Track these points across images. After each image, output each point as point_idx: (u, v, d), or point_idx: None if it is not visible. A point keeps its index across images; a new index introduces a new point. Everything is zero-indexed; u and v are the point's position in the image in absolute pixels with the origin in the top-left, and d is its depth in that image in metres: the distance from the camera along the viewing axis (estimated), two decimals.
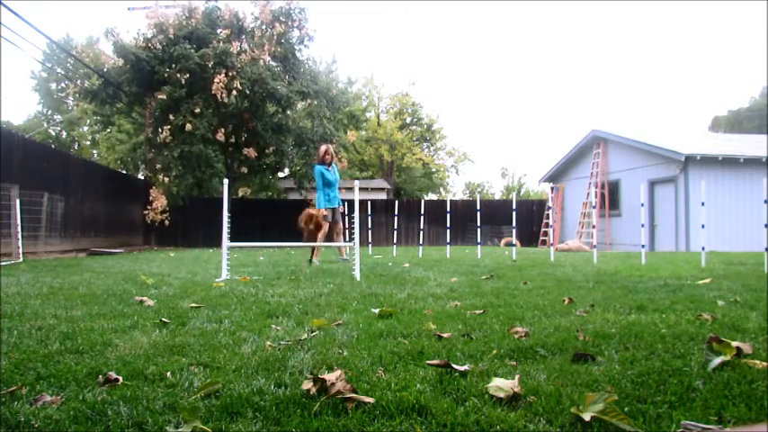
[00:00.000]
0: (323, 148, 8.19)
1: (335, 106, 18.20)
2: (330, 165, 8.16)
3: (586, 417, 1.37)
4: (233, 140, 16.55)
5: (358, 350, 2.16)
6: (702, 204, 7.91)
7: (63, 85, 32.51)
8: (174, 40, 14.98)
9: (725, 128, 37.37)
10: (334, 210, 8.15)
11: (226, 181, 5.95)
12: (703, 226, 7.73)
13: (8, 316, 3.00)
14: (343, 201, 8.66)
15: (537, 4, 69.00)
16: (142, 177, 19.27)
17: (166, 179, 15.13)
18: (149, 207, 15.75)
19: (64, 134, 34.30)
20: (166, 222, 16.12)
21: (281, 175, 22.37)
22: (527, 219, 20.31)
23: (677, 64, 71.34)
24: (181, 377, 1.79)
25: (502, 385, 1.60)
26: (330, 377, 1.60)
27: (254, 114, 16.29)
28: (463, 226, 19.35)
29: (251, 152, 16.38)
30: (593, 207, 11.82)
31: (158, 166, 15.16)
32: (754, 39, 67.76)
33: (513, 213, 9.48)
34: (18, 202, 9.04)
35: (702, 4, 72.99)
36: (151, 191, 15.75)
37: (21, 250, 8.80)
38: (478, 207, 11.31)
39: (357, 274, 5.33)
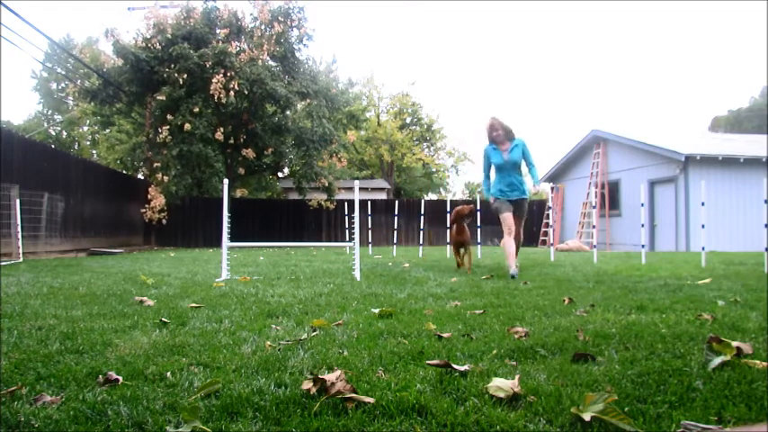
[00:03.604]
0: (487, 122, 5.94)
1: (335, 106, 18.19)
2: (504, 142, 5.89)
3: (586, 417, 1.37)
4: (232, 141, 16.54)
5: (358, 350, 2.16)
6: (702, 204, 7.91)
7: (63, 85, 32.50)
8: (172, 40, 14.99)
9: (725, 128, 37.40)
10: (511, 202, 5.98)
11: (226, 181, 5.96)
12: (703, 226, 7.73)
13: (8, 316, 3.00)
14: (342, 201, 7.91)
15: (537, 5, 69.02)
16: (142, 177, 19.26)
17: (165, 178, 15.12)
18: (147, 206, 15.73)
19: (64, 134, 34.28)
20: (164, 221, 16.11)
21: (280, 175, 22.38)
22: (527, 219, 20.28)
23: (677, 64, 71.43)
24: (181, 377, 1.79)
25: (502, 385, 1.59)
26: (330, 377, 1.60)
27: (253, 115, 16.29)
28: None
29: (250, 152, 16.37)
30: (593, 207, 11.82)
31: (157, 165, 15.14)
32: (754, 39, 67.81)
33: None
34: (18, 202, 9.03)
35: (702, 4, 73.03)
36: (149, 189, 15.74)
37: (21, 250, 8.80)
38: (478, 207, 11.31)
39: (357, 274, 5.33)
